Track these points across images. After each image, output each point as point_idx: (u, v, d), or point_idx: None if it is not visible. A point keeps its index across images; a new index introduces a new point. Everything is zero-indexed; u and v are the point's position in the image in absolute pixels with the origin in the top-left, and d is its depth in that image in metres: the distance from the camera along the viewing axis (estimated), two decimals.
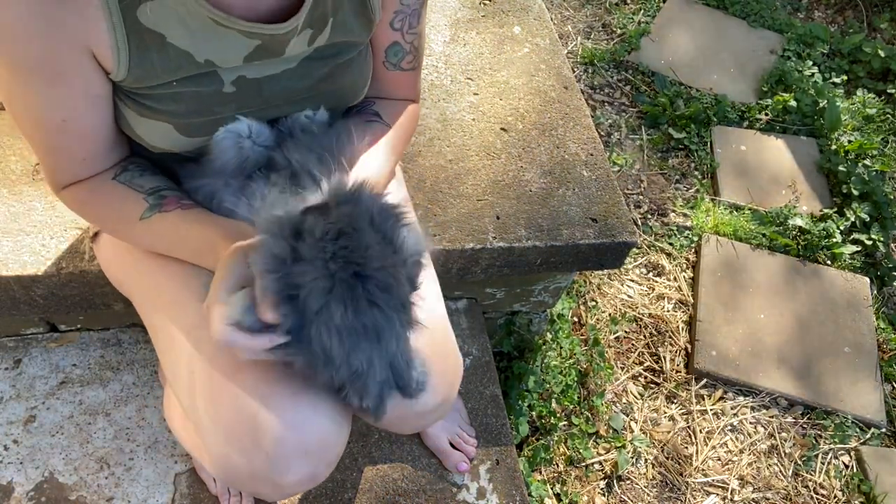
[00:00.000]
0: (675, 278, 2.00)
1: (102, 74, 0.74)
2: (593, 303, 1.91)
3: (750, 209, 2.16)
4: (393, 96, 0.99)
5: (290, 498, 1.20)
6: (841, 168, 2.26)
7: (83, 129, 0.78)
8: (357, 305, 0.67)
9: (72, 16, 0.68)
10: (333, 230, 0.66)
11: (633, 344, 1.86)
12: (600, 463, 1.64)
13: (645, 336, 1.88)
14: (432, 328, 0.88)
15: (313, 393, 0.77)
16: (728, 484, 1.66)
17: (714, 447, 1.71)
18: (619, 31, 2.65)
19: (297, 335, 0.68)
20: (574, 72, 2.47)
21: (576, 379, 1.69)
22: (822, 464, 1.73)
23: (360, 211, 0.68)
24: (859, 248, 2.12)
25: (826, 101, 2.43)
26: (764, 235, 2.08)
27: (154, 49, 0.73)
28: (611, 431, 1.68)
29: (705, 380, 1.81)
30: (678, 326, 1.90)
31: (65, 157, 0.81)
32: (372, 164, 0.89)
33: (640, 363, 1.83)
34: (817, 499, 1.67)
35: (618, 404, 1.74)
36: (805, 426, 1.78)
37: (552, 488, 1.56)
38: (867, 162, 2.34)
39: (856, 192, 2.20)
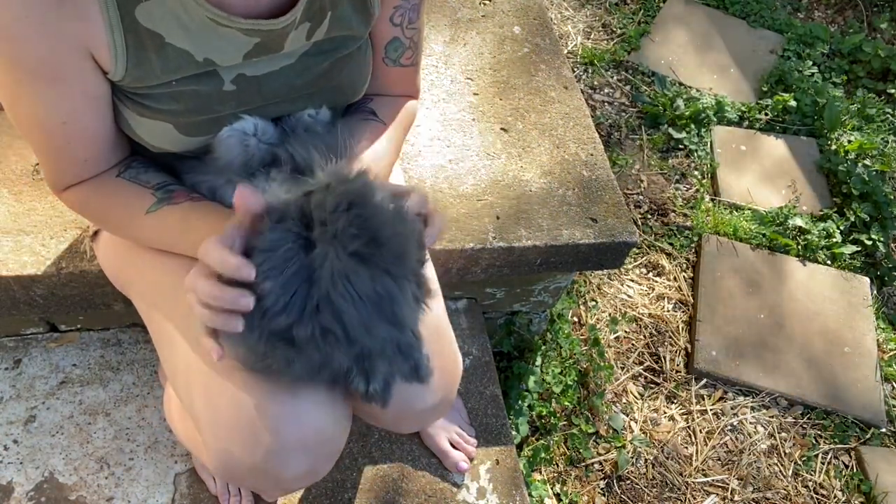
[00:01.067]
0: (675, 278, 2.00)
1: (101, 75, 0.74)
2: (593, 303, 1.91)
3: (750, 209, 2.16)
4: (392, 92, 0.99)
5: (290, 497, 1.20)
6: (841, 168, 2.26)
7: (84, 131, 0.78)
8: (373, 273, 0.67)
9: (70, 16, 0.68)
10: (344, 202, 0.66)
11: (633, 344, 1.86)
12: (600, 463, 1.64)
13: (645, 336, 1.88)
14: (432, 326, 0.88)
15: (312, 387, 0.77)
16: (728, 484, 1.66)
17: (714, 447, 1.71)
18: (619, 31, 2.65)
19: (308, 314, 0.68)
20: (574, 72, 2.47)
21: (576, 379, 1.69)
22: (822, 464, 1.73)
23: (363, 188, 0.68)
24: (859, 248, 2.12)
25: (826, 101, 2.43)
26: (764, 235, 2.08)
27: (152, 49, 0.73)
28: (611, 431, 1.68)
29: (705, 380, 1.81)
30: (678, 326, 1.90)
31: (66, 158, 0.81)
32: (370, 163, 0.90)
33: (640, 363, 1.83)
34: (817, 499, 1.67)
35: (618, 404, 1.74)
36: (805, 426, 1.78)
37: (552, 488, 1.56)
38: (867, 162, 2.34)
39: (856, 192, 2.20)
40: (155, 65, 0.74)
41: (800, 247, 2.09)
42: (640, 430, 1.71)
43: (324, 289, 0.66)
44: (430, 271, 0.98)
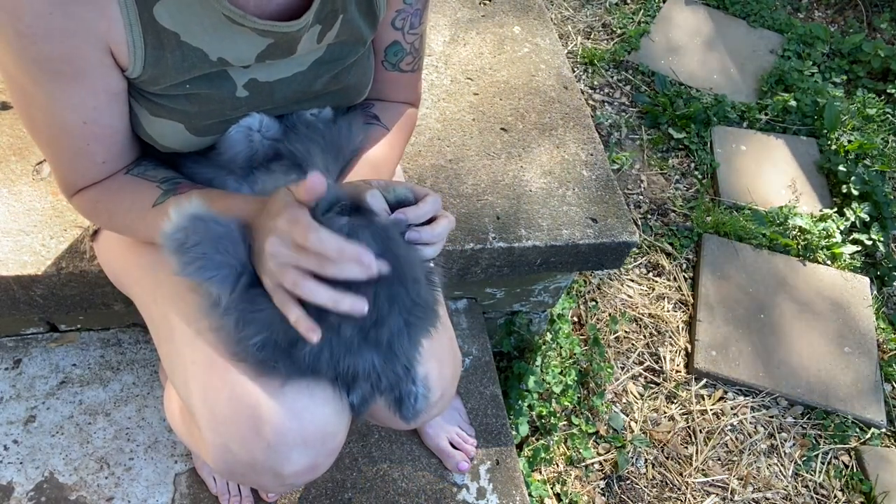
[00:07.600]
0: (675, 278, 2.00)
1: (119, 71, 0.74)
2: (593, 303, 1.91)
3: (750, 209, 2.16)
4: (392, 98, 0.99)
5: (289, 497, 1.20)
6: (841, 168, 2.26)
7: (104, 130, 0.78)
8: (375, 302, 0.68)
9: (91, 12, 0.67)
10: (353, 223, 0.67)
11: (633, 344, 1.86)
12: (600, 463, 1.63)
13: (645, 336, 1.88)
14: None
15: (312, 382, 0.77)
16: (728, 484, 1.66)
17: (714, 447, 1.71)
18: (619, 31, 2.65)
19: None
20: (574, 72, 2.47)
21: (576, 379, 1.69)
22: (822, 464, 1.73)
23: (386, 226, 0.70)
24: (859, 248, 2.12)
25: (826, 101, 2.43)
26: (764, 235, 2.08)
27: (168, 48, 0.73)
28: (611, 431, 1.68)
29: (705, 380, 1.81)
30: (678, 326, 1.90)
31: (85, 160, 0.80)
32: (371, 167, 0.90)
33: (640, 363, 1.83)
34: (817, 499, 1.67)
35: (618, 404, 1.74)
36: (805, 426, 1.78)
37: (552, 488, 1.56)
38: (867, 162, 2.34)
39: (856, 192, 2.20)
40: (170, 63, 0.74)
41: (800, 247, 2.09)
42: (640, 430, 1.71)
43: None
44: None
